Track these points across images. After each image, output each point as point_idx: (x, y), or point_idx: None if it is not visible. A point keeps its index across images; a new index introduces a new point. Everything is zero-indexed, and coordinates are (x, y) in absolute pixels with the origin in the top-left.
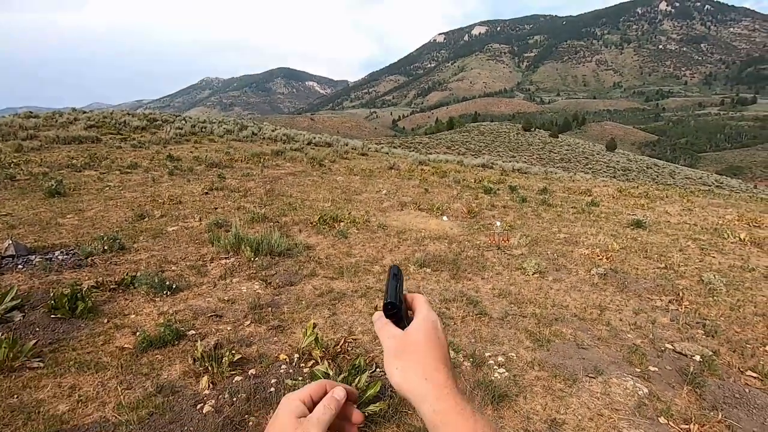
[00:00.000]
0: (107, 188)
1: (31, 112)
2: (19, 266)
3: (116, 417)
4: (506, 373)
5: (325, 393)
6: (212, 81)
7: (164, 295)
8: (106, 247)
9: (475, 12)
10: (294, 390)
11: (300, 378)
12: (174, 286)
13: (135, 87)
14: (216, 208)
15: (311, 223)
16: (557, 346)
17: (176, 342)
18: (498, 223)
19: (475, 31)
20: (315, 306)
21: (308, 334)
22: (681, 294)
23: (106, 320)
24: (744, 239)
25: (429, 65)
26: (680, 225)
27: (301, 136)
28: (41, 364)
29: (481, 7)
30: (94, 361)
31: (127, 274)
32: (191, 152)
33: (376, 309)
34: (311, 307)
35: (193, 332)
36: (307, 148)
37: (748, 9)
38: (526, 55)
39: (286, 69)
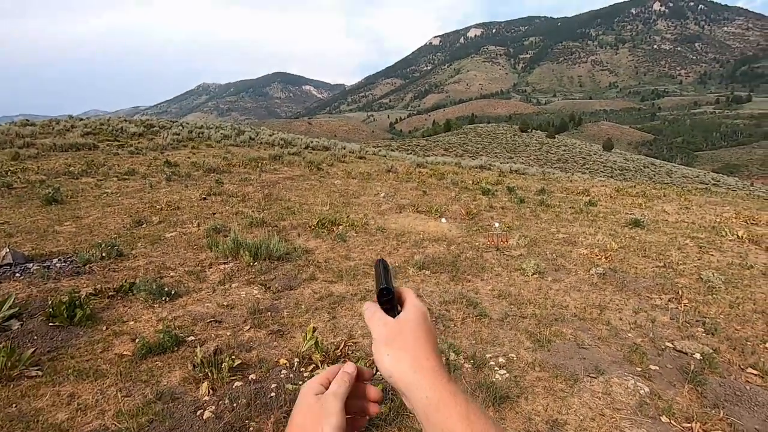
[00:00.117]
0: (105, 195)
1: (27, 120)
2: (17, 274)
3: (116, 425)
4: (507, 375)
5: None
6: (209, 86)
7: (163, 302)
8: (104, 254)
9: (470, 14)
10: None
11: (300, 382)
12: (173, 292)
13: (132, 94)
14: (214, 214)
15: (310, 227)
16: (558, 347)
17: (175, 348)
18: (497, 225)
19: (471, 34)
20: (314, 310)
21: (308, 338)
22: (680, 292)
23: (104, 327)
24: (742, 237)
25: (425, 68)
26: (678, 223)
27: (299, 141)
28: (40, 373)
29: (476, 10)
30: (93, 368)
31: (125, 281)
32: (189, 158)
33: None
34: (311, 311)
35: (193, 338)
36: (305, 152)
37: (741, 8)
38: (521, 56)
39: (283, 73)
